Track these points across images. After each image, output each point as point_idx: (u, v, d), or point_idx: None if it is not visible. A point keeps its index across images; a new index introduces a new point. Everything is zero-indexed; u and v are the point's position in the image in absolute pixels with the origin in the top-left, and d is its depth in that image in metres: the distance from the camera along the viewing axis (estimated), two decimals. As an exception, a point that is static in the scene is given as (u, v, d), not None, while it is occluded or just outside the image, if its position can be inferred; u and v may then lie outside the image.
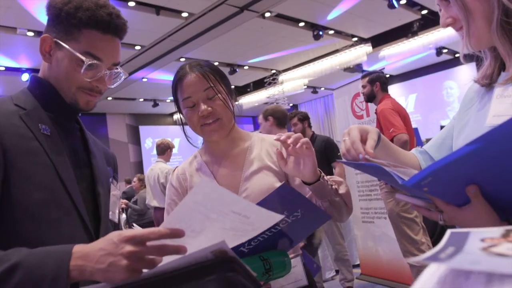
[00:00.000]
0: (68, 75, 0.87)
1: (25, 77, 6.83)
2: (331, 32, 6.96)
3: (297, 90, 9.38)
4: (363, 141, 0.79)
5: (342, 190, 1.01)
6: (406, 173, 0.66)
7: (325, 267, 4.05)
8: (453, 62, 8.86)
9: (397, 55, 7.69)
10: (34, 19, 5.19)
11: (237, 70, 8.18)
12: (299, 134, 0.93)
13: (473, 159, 0.52)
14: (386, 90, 3.18)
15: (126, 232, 0.61)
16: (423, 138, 4.57)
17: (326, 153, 3.43)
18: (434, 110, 9.28)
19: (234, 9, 5.20)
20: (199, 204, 0.60)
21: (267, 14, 5.88)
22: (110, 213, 0.92)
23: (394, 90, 9.51)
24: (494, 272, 0.29)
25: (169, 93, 8.58)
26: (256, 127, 9.73)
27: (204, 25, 5.63)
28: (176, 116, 1.16)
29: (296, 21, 6.39)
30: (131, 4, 5.09)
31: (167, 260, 0.60)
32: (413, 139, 3.01)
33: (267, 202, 0.84)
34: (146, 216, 5.31)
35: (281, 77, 9.01)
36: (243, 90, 9.92)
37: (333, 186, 1.00)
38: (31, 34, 5.51)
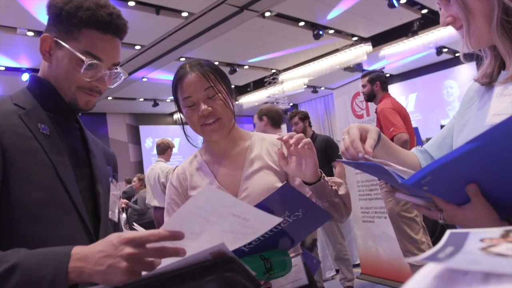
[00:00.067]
0: (67, 75, 0.87)
1: (25, 77, 6.83)
2: (331, 31, 6.96)
3: (297, 90, 9.38)
4: (363, 140, 0.79)
5: (341, 191, 1.02)
6: (405, 172, 0.66)
7: (325, 267, 4.05)
8: (453, 61, 8.86)
9: (397, 55, 7.69)
10: (34, 19, 5.19)
11: (237, 69, 8.18)
12: (301, 135, 0.93)
13: (473, 158, 0.52)
14: (386, 90, 3.18)
15: (125, 234, 0.61)
16: (423, 138, 4.58)
17: (327, 152, 3.43)
18: (434, 109, 9.28)
19: (234, 9, 5.20)
20: (199, 207, 0.60)
21: (267, 14, 5.88)
22: (110, 212, 0.92)
23: (394, 89, 9.51)
24: (493, 272, 0.29)
25: (169, 92, 8.57)
26: (256, 126, 9.68)
27: (204, 25, 5.63)
28: (176, 116, 1.16)
29: (296, 20, 6.39)
30: (131, 3, 5.09)
31: (166, 263, 0.60)
32: (413, 138, 3.01)
33: (268, 202, 0.84)
34: (146, 216, 5.31)
35: (281, 77, 9.01)
36: (243, 89, 9.92)
37: (333, 187, 1.00)
38: (31, 34, 5.51)
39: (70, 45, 0.85)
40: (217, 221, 0.62)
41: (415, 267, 2.80)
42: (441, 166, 0.54)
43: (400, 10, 6.22)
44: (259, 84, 9.56)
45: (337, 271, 3.76)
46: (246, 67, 8.49)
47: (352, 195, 3.91)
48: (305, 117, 3.63)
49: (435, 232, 3.63)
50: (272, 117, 3.14)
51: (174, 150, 4.68)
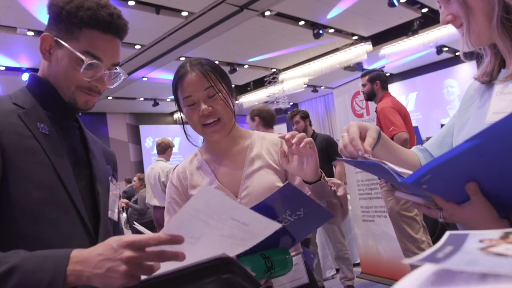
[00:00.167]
0: (67, 74, 0.87)
1: (25, 76, 6.84)
2: (331, 30, 6.96)
3: (297, 89, 9.38)
4: (362, 138, 0.79)
5: (340, 193, 1.02)
6: (403, 172, 0.66)
7: (325, 266, 4.05)
8: (454, 60, 8.85)
9: (397, 54, 7.69)
10: (34, 18, 5.19)
11: (237, 69, 8.18)
12: (303, 134, 0.93)
13: (472, 156, 0.52)
14: (386, 89, 3.18)
15: (125, 238, 0.61)
16: (423, 137, 4.57)
17: (327, 151, 3.43)
18: (434, 108, 9.28)
19: (234, 8, 5.20)
20: (199, 210, 0.60)
21: (267, 13, 5.87)
22: (110, 211, 0.92)
23: (395, 88, 9.51)
24: (491, 273, 0.29)
25: (169, 92, 8.57)
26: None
27: (204, 24, 5.63)
28: (177, 115, 1.16)
29: (296, 19, 6.39)
30: (131, 3, 5.09)
31: (165, 267, 0.60)
32: (413, 137, 3.00)
33: (270, 201, 0.84)
34: (146, 216, 5.31)
35: (281, 76, 9.01)
36: (243, 89, 9.92)
37: (332, 188, 1.00)
38: (31, 33, 5.52)
39: (70, 45, 0.85)
40: (216, 225, 0.62)
41: (415, 267, 2.80)
42: (440, 164, 0.54)
43: (400, 9, 6.21)
44: (259, 83, 9.56)
45: (338, 270, 3.76)
46: (246, 66, 8.49)
47: (353, 194, 3.91)
48: (306, 116, 3.64)
49: (435, 231, 3.63)
50: (264, 118, 3.14)
51: (174, 149, 4.69)
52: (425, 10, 6.52)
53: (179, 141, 10.24)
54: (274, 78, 8.96)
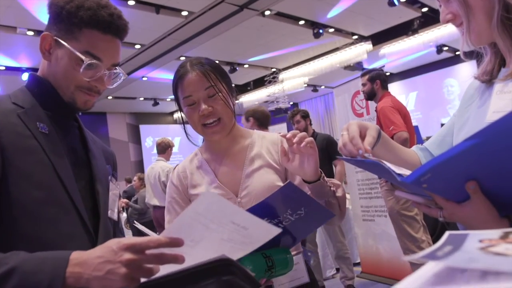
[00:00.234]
0: (67, 74, 0.87)
1: (25, 76, 6.84)
2: (331, 30, 6.95)
3: (298, 89, 9.38)
4: (362, 137, 0.79)
5: (339, 193, 1.02)
6: (404, 171, 0.66)
7: (325, 265, 4.06)
8: (454, 60, 8.85)
9: (397, 53, 7.69)
10: (34, 18, 5.19)
11: (237, 68, 8.18)
12: (304, 133, 0.93)
13: (472, 155, 0.52)
14: (386, 88, 3.17)
15: (125, 240, 0.61)
16: (423, 136, 4.57)
17: (328, 151, 3.43)
18: (434, 108, 9.27)
19: (233, 8, 5.20)
20: (200, 214, 0.60)
21: (267, 12, 5.87)
22: (110, 211, 0.92)
23: (395, 88, 9.51)
24: (491, 270, 0.29)
25: (169, 92, 8.58)
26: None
27: (204, 24, 5.63)
28: (177, 115, 1.16)
29: (296, 19, 6.39)
30: (131, 3, 5.09)
31: (164, 270, 0.60)
32: (413, 137, 3.00)
33: (271, 200, 0.83)
34: (146, 215, 5.31)
35: (281, 76, 9.01)
36: (244, 88, 9.92)
37: (331, 188, 1.00)
38: (31, 33, 5.52)
39: (70, 45, 0.85)
40: (216, 228, 0.62)
41: (415, 266, 2.80)
42: (440, 163, 0.54)
43: (400, 9, 6.21)
44: (259, 83, 9.56)
45: (338, 269, 3.76)
46: (246, 66, 8.49)
47: (353, 193, 3.92)
48: (306, 116, 3.65)
49: (436, 231, 3.63)
50: (258, 118, 3.15)
51: (174, 149, 4.69)
52: (425, 9, 6.52)
53: (179, 141, 10.25)
54: (274, 77, 8.96)
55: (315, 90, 11.06)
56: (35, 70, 0.93)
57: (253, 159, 1.11)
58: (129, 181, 7.33)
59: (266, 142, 1.15)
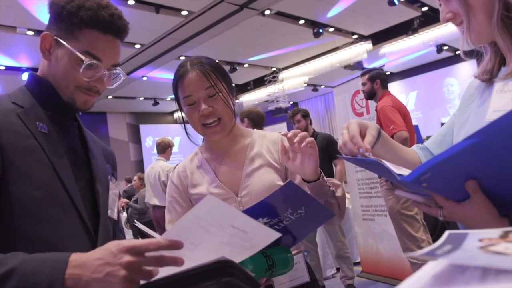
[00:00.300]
0: (66, 74, 0.87)
1: (25, 76, 6.80)
2: (331, 29, 6.95)
3: (298, 88, 9.39)
4: (362, 136, 0.79)
5: (338, 193, 1.02)
6: (403, 171, 0.66)
7: (326, 265, 4.06)
8: (454, 59, 8.85)
9: (397, 53, 7.69)
10: (34, 18, 5.19)
11: (237, 68, 8.18)
12: (305, 133, 0.93)
13: (472, 154, 0.52)
14: (386, 87, 3.17)
15: (124, 242, 0.61)
16: (423, 136, 4.57)
17: (328, 150, 3.44)
18: (434, 107, 9.27)
19: (233, 7, 5.20)
20: (200, 218, 0.60)
21: (267, 12, 5.87)
22: (109, 210, 0.92)
23: (395, 87, 9.51)
24: (490, 267, 0.29)
25: (169, 91, 8.56)
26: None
27: (204, 23, 5.63)
28: (177, 115, 1.16)
29: (296, 18, 6.39)
30: (131, 2, 5.09)
31: (163, 273, 0.60)
32: (413, 136, 3.00)
33: (271, 199, 0.83)
34: (146, 215, 5.32)
35: (281, 75, 9.01)
36: (244, 88, 9.92)
37: (331, 188, 1.00)
38: (31, 33, 5.52)
39: (70, 44, 0.85)
40: (216, 232, 0.62)
41: (415, 265, 2.81)
42: (440, 162, 0.54)
43: (400, 8, 6.21)
44: (259, 82, 9.56)
45: (338, 269, 3.76)
46: (246, 65, 8.49)
47: (353, 193, 3.92)
48: (307, 115, 3.66)
49: (436, 230, 3.63)
50: (253, 119, 3.16)
51: (175, 149, 4.69)
52: (425, 8, 6.52)
53: (179, 140, 10.26)
54: (274, 77, 8.96)
55: (315, 90, 11.06)
56: (35, 70, 0.93)
57: (253, 158, 1.11)
58: (129, 181, 7.33)
59: (266, 141, 1.15)
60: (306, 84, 9.63)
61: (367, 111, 3.77)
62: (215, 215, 0.60)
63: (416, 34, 7.04)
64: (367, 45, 7.36)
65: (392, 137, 2.71)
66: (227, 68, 7.88)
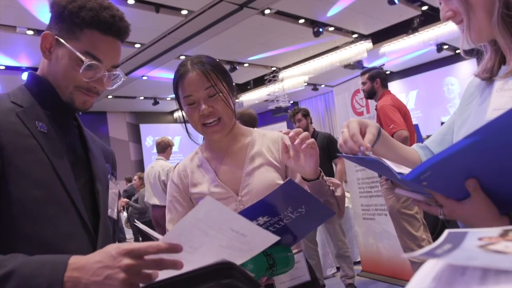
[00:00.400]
0: (66, 74, 0.87)
1: (25, 76, 6.80)
2: (331, 29, 6.95)
3: (298, 87, 9.39)
4: (362, 134, 0.79)
5: (338, 193, 1.02)
6: (403, 171, 0.66)
7: (326, 264, 4.06)
8: (454, 58, 8.84)
9: (397, 52, 7.69)
10: (33, 17, 5.19)
11: (237, 67, 8.18)
12: (306, 134, 0.93)
13: (472, 153, 0.52)
14: (386, 87, 3.17)
15: (124, 245, 0.60)
16: (423, 135, 4.57)
17: (328, 149, 3.44)
18: (435, 106, 9.27)
19: (233, 6, 5.20)
20: (200, 220, 0.60)
21: (267, 11, 5.87)
22: (109, 210, 0.92)
23: (395, 86, 9.51)
24: (490, 267, 0.29)
25: (169, 91, 8.57)
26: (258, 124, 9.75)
27: (204, 23, 5.63)
28: (177, 114, 1.16)
29: (296, 18, 6.38)
30: (131, 2, 5.09)
31: (162, 275, 0.60)
32: (414, 135, 3.00)
33: (271, 198, 0.83)
34: (147, 215, 5.32)
35: (281, 74, 9.01)
36: (244, 87, 9.92)
37: (331, 187, 1.00)
38: (30, 32, 5.51)
39: (71, 45, 0.85)
40: (215, 235, 0.62)
41: (415, 265, 2.81)
42: (440, 161, 0.54)
43: (400, 7, 6.21)
44: (259, 82, 9.56)
45: (338, 268, 3.76)
46: (246, 65, 8.49)
47: (353, 192, 3.92)
48: (307, 114, 3.66)
49: (436, 229, 3.63)
50: (246, 121, 3.15)
51: (175, 148, 4.69)
52: (425, 7, 6.51)
53: (179, 140, 10.26)
54: (274, 76, 8.96)
55: (315, 89, 11.06)
56: (35, 69, 0.93)
57: (253, 157, 1.11)
58: (129, 180, 7.34)
59: (267, 140, 1.15)
60: (306, 84, 9.63)
61: (367, 110, 3.77)
62: (214, 218, 0.60)
63: (416, 33, 7.04)
64: (367, 44, 7.36)
65: (392, 136, 2.71)
66: (227, 67, 7.87)
